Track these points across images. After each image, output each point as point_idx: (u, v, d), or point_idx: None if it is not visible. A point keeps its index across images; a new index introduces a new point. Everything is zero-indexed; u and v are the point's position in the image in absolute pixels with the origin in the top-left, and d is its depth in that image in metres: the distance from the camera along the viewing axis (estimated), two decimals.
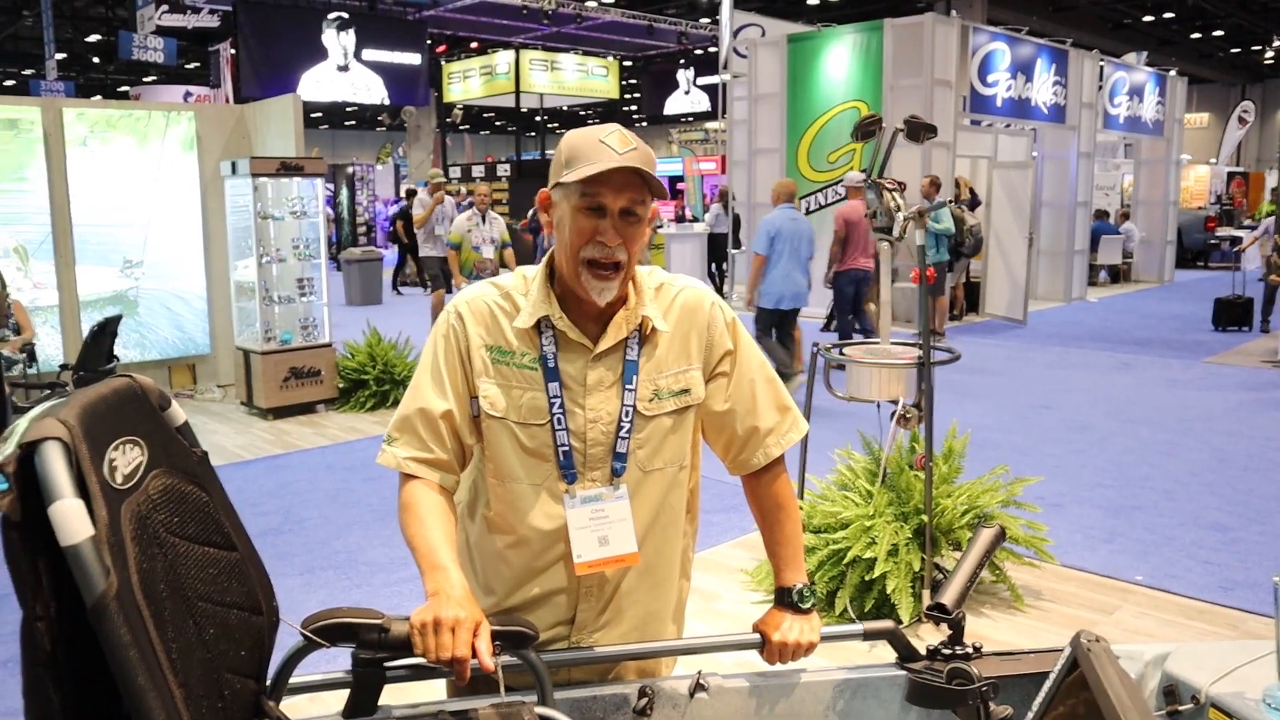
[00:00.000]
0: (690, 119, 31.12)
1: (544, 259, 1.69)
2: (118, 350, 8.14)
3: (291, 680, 1.50)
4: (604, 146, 1.55)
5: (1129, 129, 17.94)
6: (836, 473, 4.58)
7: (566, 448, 1.63)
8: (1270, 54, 30.47)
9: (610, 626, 1.73)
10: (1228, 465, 6.34)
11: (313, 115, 38.39)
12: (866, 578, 3.95)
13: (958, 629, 1.75)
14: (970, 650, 1.76)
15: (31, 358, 7.16)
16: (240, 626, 1.26)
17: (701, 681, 1.69)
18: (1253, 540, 4.93)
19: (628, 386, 1.64)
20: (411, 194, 15.83)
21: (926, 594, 3.96)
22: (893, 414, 4.24)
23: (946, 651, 1.75)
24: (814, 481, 4.60)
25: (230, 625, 1.23)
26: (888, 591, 3.88)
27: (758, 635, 1.75)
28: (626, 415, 1.64)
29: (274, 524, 5.44)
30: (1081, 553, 4.74)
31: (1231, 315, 12.29)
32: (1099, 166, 17.71)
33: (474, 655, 1.40)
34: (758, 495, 1.81)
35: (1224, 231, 21.03)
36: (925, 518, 4.02)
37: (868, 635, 1.77)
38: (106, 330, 6.57)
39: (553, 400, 1.62)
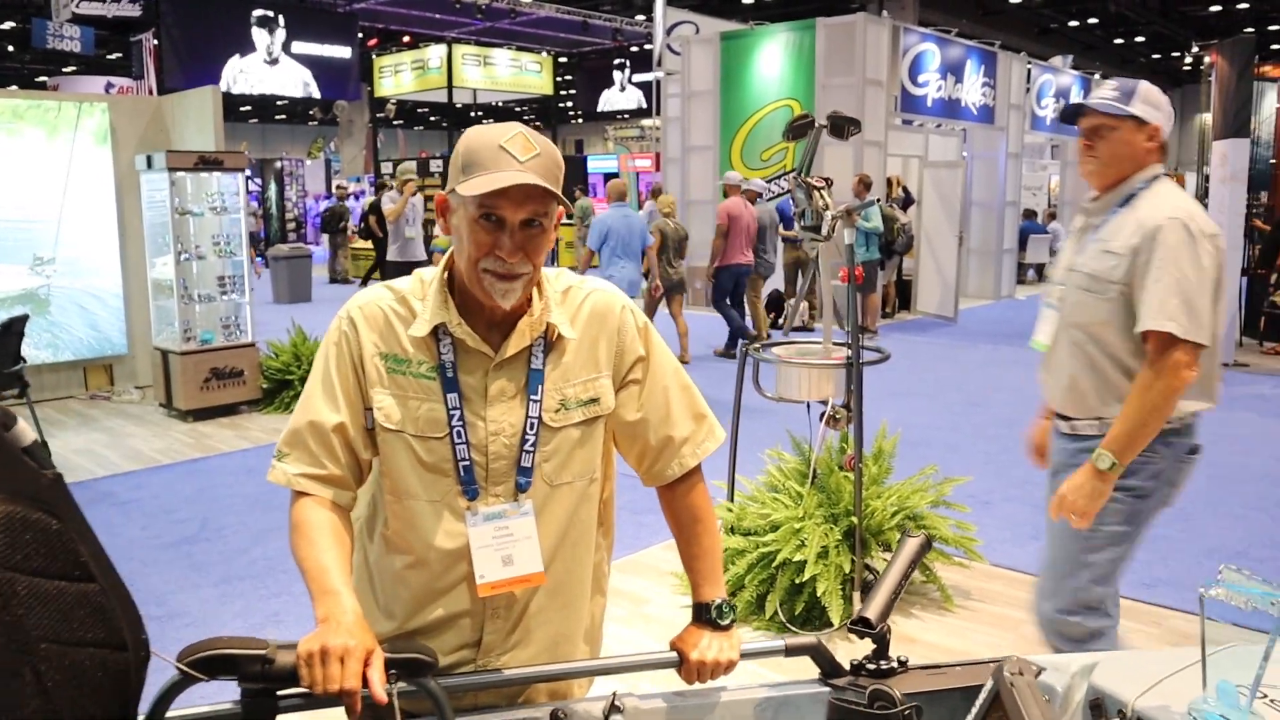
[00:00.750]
0: (626, 116, 31.06)
1: (442, 262, 1.59)
2: (28, 351, 7.82)
3: (172, 714, 1.39)
4: (504, 153, 1.45)
5: (1055, 130, 18.28)
6: (766, 474, 4.53)
7: (467, 462, 1.54)
8: (1189, 60, 31.29)
9: (519, 648, 1.64)
10: None
11: (242, 109, 37.55)
12: (797, 580, 3.91)
13: (882, 643, 1.70)
14: (895, 665, 1.70)
15: None
16: (96, 667, 1.14)
17: (616, 703, 1.61)
18: (1174, 537, 5.00)
19: (532, 397, 1.55)
20: (382, 187, 15.41)
21: (857, 596, 3.93)
22: (822, 414, 4.20)
23: (871, 666, 1.69)
24: (744, 482, 4.55)
25: (83, 667, 1.12)
26: (818, 594, 3.84)
27: (675, 653, 1.67)
28: (531, 427, 1.55)
29: (190, 532, 5.25)
30: (1010, 550, 4.76)
31: None
32: (1027, 167, 18.00)
33: (366, 686, 1.31)
34: (673, 507, 1.73)
35: None
36: (855, 519, 3.99)
37: (790, 651, 1.70)
38: (12, 330, 6.29)
39: (451, 412, 1.53)
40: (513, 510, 1.56)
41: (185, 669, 1.30)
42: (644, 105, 25.62)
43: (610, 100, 28.50)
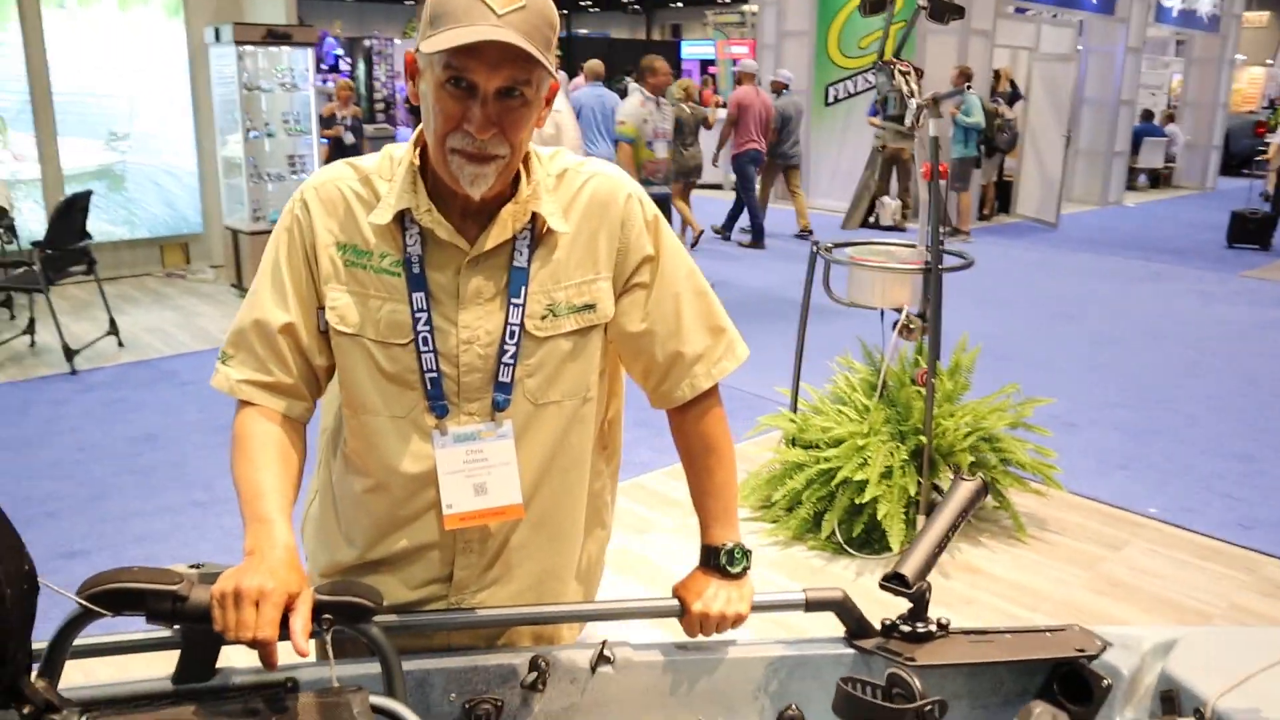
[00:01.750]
0: (726, 0, 29.89)
1: (413, 135, 1.34)
2: (104, 227, 7.87)
3: (103, 640, 1.23)
4: (479, 3, 1.17)
5: (1182, 24, 16.91)
6: (832, 383, 4.25)
7: (434, 374, 1.31)
8: None
9: (498, 585, 1.43)
10: (1257, 389, 5.96)
11: None
12: (857, 500, 3.67)
13: (920, 603, 1.46)
14: (934, 629, 1.46)
15: (11, 232, 6.88)
16: None
17: (606, 653, 1.40)
18: (1277, 474, 4.60)
19: (514, 300, 1.31)
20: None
21: (921, 520, 3.68)
22: (895, 323, 3.89)
23: (905, 629, 1.46)
24: (809, 390, 4.28)
25: None
26: (878, 517, 3.59)
27: (676, 602, 1.45)
28: (511, 336, 1.31)
29: None
30: (1093, 480, 4.42)
31: (1244, 232, 11.40)
32: (1146, 64, 16.77)
33: (288, 633, 1.12)
34: (684, 434, 1.49)
35: (1275, 138, 20.09)
36: (924, 439, 3.71)
37: (810, 606, 1.47)
38: (75, 206, 6.24)
39: (417, 315, 1.29)
40: (488, 432, 1.34)
41: (85, 603, 1.13)
42: None
43: None
